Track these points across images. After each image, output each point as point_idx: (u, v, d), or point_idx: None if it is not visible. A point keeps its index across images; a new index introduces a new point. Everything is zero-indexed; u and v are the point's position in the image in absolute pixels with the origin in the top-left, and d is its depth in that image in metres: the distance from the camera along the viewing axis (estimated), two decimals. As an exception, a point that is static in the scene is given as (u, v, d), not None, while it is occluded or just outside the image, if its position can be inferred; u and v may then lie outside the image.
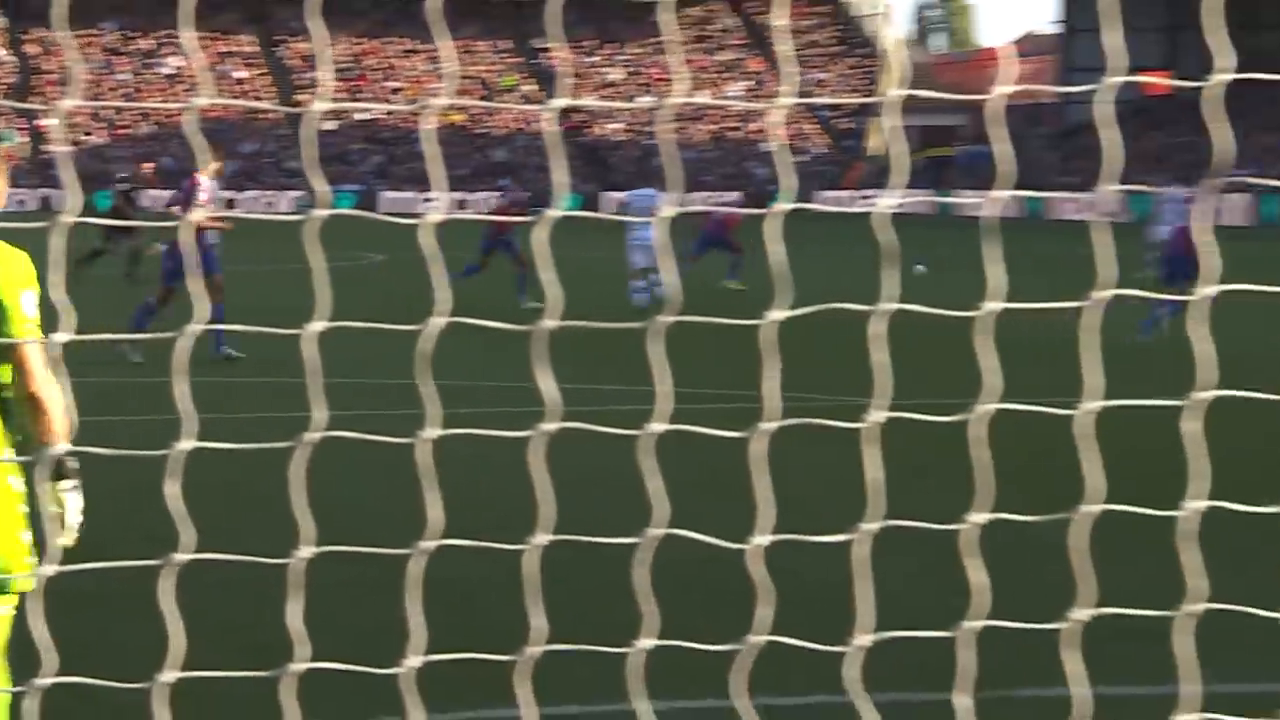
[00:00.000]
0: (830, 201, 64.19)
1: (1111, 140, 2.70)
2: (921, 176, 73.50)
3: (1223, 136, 2.83)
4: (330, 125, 73.22)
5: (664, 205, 3.09)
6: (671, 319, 2.69)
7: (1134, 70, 63.48)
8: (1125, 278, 3.47)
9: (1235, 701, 3.62)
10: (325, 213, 2.59)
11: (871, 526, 2.74)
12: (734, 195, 61.13)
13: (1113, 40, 2.76)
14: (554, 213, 2.67)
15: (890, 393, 2.73)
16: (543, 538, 2.67)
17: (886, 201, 2.89)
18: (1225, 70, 2.71)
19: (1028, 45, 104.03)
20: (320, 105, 2.57)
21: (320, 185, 2.78)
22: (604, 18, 79.34)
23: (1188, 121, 65.58)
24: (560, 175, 2.94)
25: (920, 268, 27.74)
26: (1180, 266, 17.40)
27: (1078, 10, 73.41)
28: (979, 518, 2.81)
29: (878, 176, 72.70)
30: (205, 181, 15.30)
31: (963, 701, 2.82)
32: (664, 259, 3.08)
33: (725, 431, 2.87)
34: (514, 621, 2.86)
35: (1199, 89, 2.83)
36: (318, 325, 2.62)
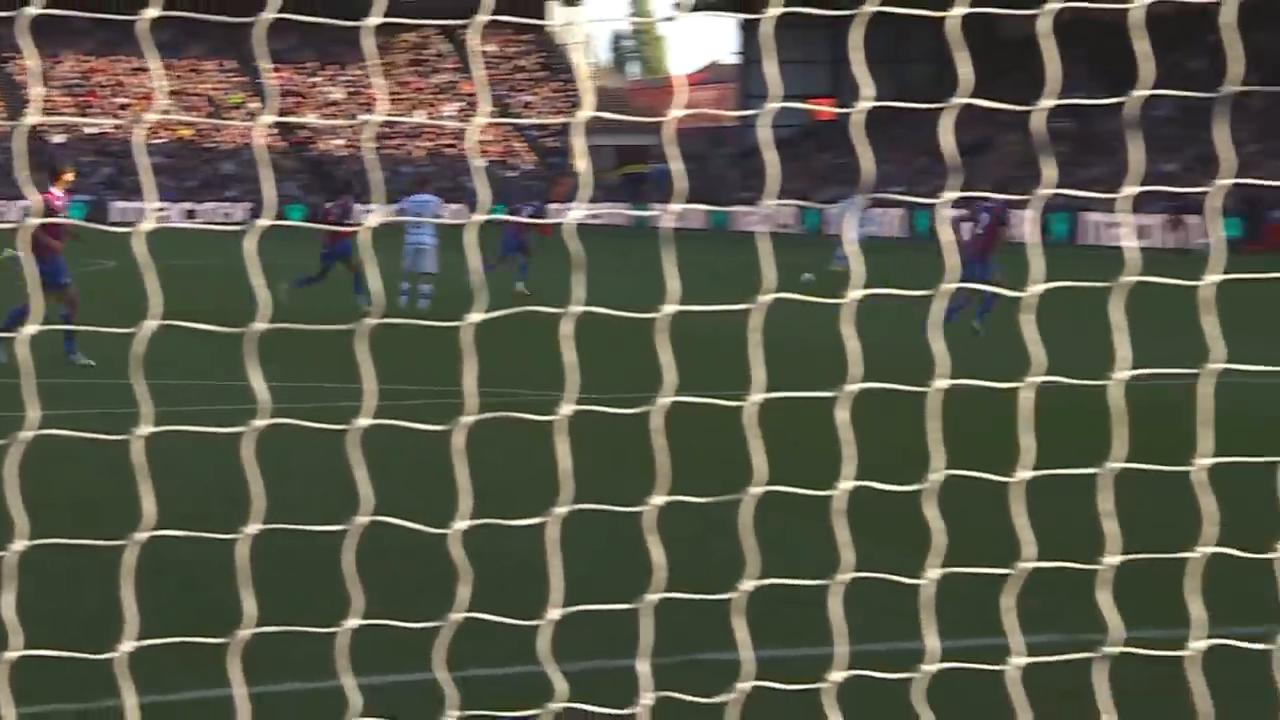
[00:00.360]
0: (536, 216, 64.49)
1: (771, 160, 2.77)
2: (619, 191, 74.29)
3: (867, 158, 2.93)
4: (60, 138, 70.52)
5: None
6: (375, 321, 2.66)
7: (804, 98, 65.31)
8: (794, 281, 3.56)
9: (889, 658, 3.75)
10: (39, 221, 2.49)
11: (561, 510, 2.76)
12: (458, 207, 60.90)
13: (770, 71, 2.83)
14: (264, 222, 2.61)
15: (578, 388, 2.75)
16: (254, 526, 2.62)
17: (575, 214, 2.90)
18: (869, 99, 2.80)
19: (711, 74, 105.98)
20: (31, 119, 2.46)
21: (34, 195, 2.67)
22: (324, 41, 78.15)
23: (849, 144, 67.65)
24: (269, 189, 2.87)
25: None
26: (974, 271, 18.51)
27: (755, 43, 74.99)
28: (658, 500, 2.84)
29: (581, 191, 73.22)
30: (57, 192, 14.57)
31: (644, 667, 2.85)
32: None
33: (429, 425, 2.86)
34: (231, 605, 2.79)
35: (856, 114, 2.92)
36: (31, 329, 2.53)
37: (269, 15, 2.35)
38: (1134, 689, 4.31)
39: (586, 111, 2.81)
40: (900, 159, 74.94)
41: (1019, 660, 3.00)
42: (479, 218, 2.74)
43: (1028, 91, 2.93)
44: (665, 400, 2.82)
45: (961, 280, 2.95)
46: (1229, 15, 2.85)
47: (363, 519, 2.70)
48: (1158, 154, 65.41)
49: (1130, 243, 2.98)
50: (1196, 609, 3.03)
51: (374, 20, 2.39)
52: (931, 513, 2.92)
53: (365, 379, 2.68)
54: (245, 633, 2.58)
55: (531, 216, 29.70)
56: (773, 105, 2.79)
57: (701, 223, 62.74)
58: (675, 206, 2.85)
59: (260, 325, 2.58)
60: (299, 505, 7.99)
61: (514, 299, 23.74)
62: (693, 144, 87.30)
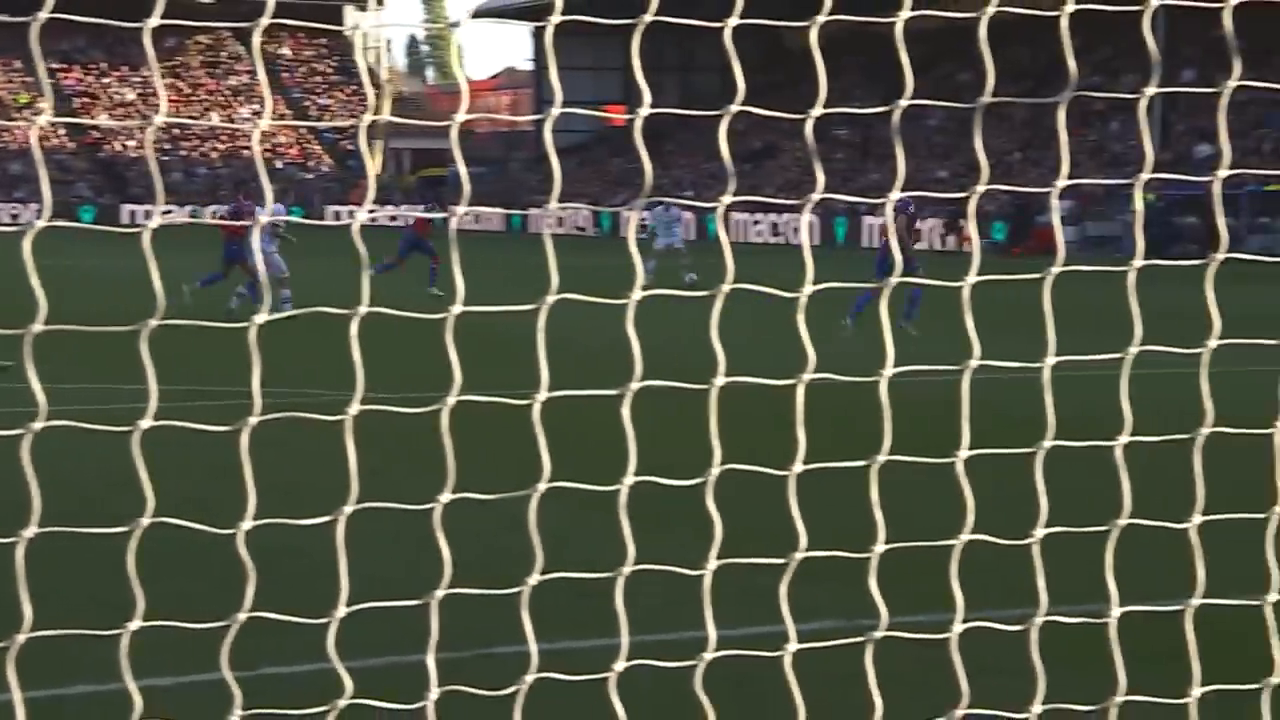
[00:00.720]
0: (334, 216, 63.85)
1: (552, 165, 2.78)
2: (418, 194, 73.67)
3: (647, 165, 2.95)
4: None
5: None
6: (156, 323, 2.60)
7: (599, 104, 65.65)
8: (599, 284, 3.57)
9: (660, 647, 3.79)
10: None
11: (347, 509, 2.73)
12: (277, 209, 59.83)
13: (554, 77, 2.84)
14: (41, 223, 2.53)
15: (363, 388, 2.72)
16: (31, 529, 2.54)
17: (361, 215, 2.88)
18: (652, 107, 2.83)
19: (507, 79, 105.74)
20: None
21: None
22: (113, 42, 75.99)
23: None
24: (47, 189, 2.78)
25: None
26: (882, 268, 19.27)
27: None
28: (445, 497, 2.83)
29: (380, 194, 72.42)
30: None
31: (431, 661, 2.83)
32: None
33: (212, 426, 2.80)
34: (12, 608, 2.70)
35: (648, 120, 2.95)
36: None
37: (44, 15, 2.28)
38: (902, 671, 4.43)
39: (371, 115, 2.78)
40: (689, 164, 75.77)
41: (794, 646, 3.06)
42: (265, 219, 2.69)
43: (813, 100, 2.98)
44: (452, 399, 2.81)
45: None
46: (983, 31, 2.94)
47: (145, 520, 2.64)
48: (930, 161, 67.33)
49: (895, 245, 3.06)
50: (958, 594, 3.12)
51: (154, 21, 2.33)
52: (711, 505, 2.96)
53: (149, 380, 2.62)
54: (22, 636, 2.50)
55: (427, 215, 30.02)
56: (556, 111, 2.80)
57: (500, 225, 62.55)
58: (460, 209, 2.84)
59: (37, 328, 2.51)
60: (91, 506, 7.74)
61: (431, 301, 23.58)
62: (490, 148, 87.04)
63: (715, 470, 3.01)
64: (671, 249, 29.46)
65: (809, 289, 3.04)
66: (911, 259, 20.26)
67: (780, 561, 3.10)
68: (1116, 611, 3.29)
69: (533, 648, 2.85)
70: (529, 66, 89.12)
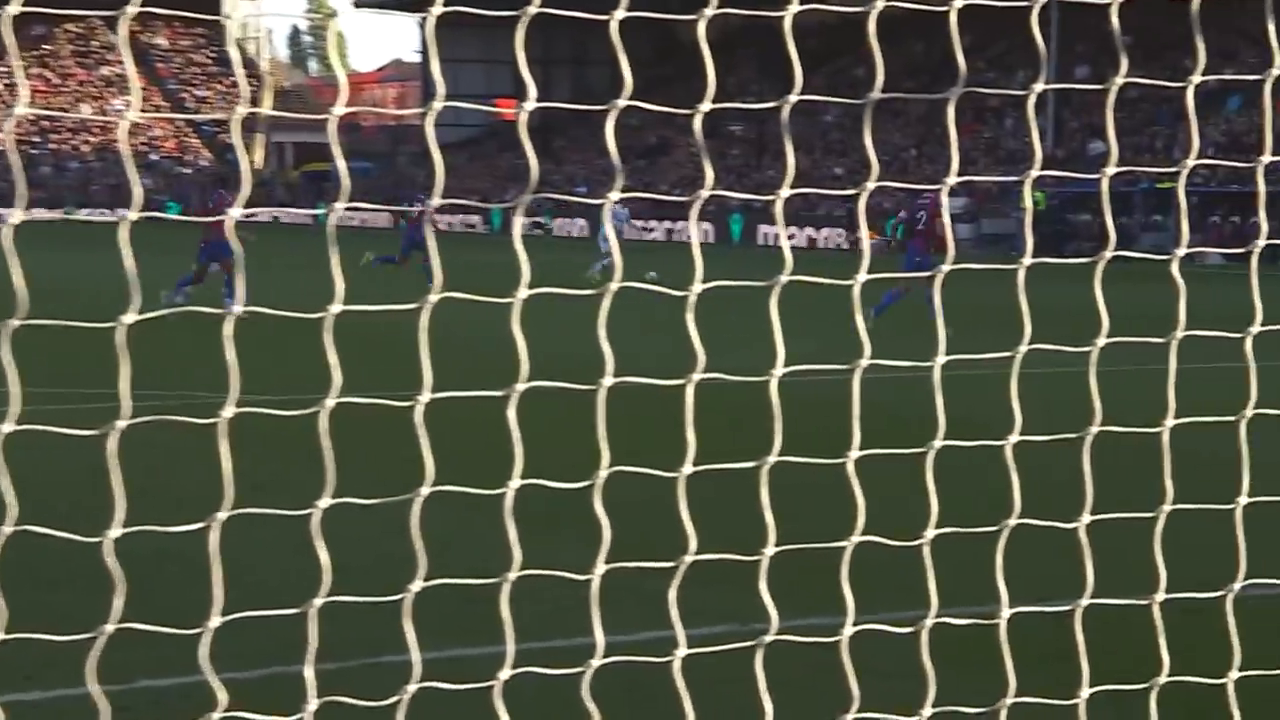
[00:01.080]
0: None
1: (437, 160, 2.76)
2: (302, 190, 72.93)
3: (533, 160, 2.95)
4: None
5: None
6: (17, 323, 2.55)
7: (489, 98, 65.37)
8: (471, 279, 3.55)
9: (548, 654, 3.79)
10: None
11: (221, 515, 2.69)
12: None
13: (431, 72, 2.82)
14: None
15: (239, 389, 2.70)
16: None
17: (235, 212, 2.84)
18: (543, 101, 2.83)
19: (394, 71, 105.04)
20: None
21: None
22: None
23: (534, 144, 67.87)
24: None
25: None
26: (915, 263, 19.46)
27: (435, 41, 74.32)
28: (325, 502, 2.81)
29: (262, 190, 71.59)
30: None
31: (309, 672, 2.81)
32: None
33: (79, 431, 2.75)
34: None
35: (541, 115, 2.95)
36: None
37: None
38: (793, 675, 4.47)
39: (246, 107, 2.75)
40: (582, 160, 75.78)
41: (683, 651, 3.08)
42: (134, 215, 2.65)
43: (712, 94, 2.99)
44: (331, 401, 2.79)
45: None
46: (871, 25, 2.97)
47: (6, 529, 2.59)
48: (827, 157, 67.93)
49: (786, 244, 3.08)
50: (849, 596, 3.15)
51: (14, 9, 2.29)
52: (599, 509, 2.97)
53: (11, 383, 2.57)
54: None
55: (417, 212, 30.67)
56: (439, 104, 2.79)
57: (388, 222, 62.09)
58: (340, 205, 2.81)
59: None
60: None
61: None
62: (377, 142, 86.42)
63: (603, 473, 3.01)
64: (604, 246, 30.00)
65: (698, 287, 3.05)
66: (928, 255, 20.64)
67: (670, 565, 3.11)
68: (1007, 612, 3.34)
69: (415, 656, 2.84)
70: (417, 58, 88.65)
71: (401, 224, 29.45)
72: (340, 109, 2.67)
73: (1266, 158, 3.50)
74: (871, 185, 3.13)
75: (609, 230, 3.67)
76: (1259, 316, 3.51)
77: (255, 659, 5.87)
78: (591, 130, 65.09)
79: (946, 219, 3.54)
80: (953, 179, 3.25)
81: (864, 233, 3.22)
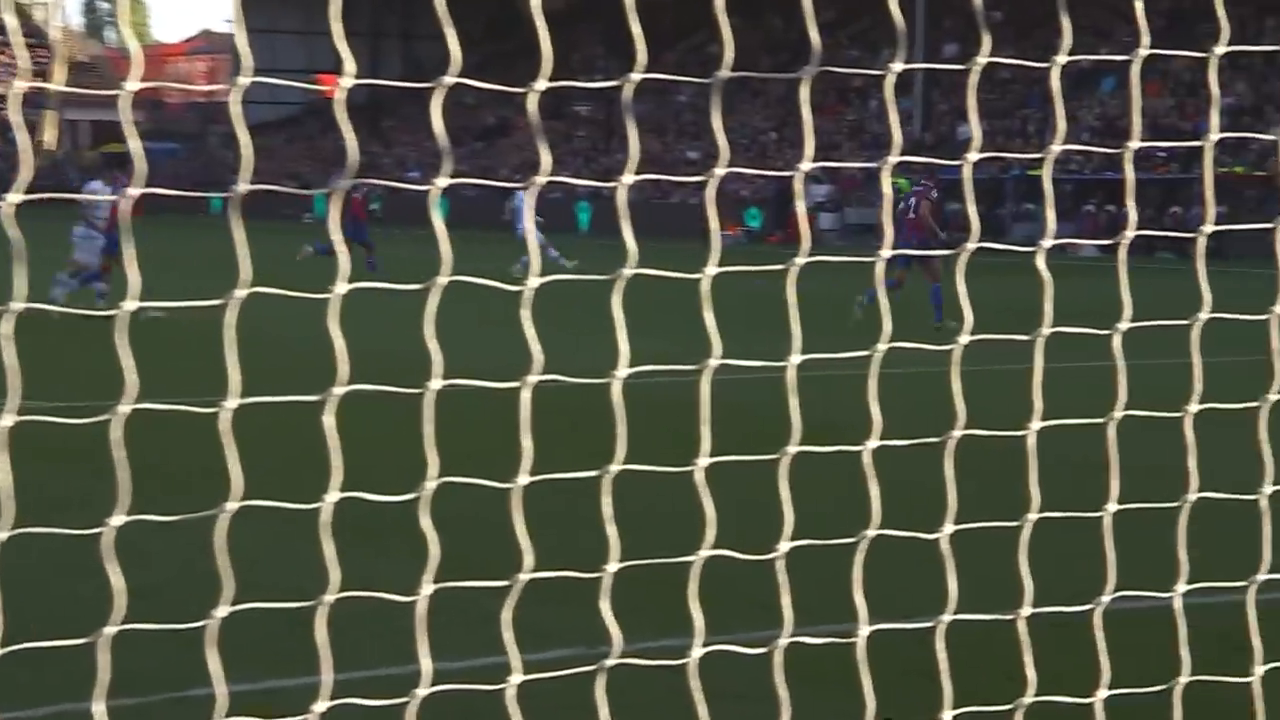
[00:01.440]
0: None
1: (244, 142, 2.73)
2: (100, 171, 71.41)
3: (352, 142, 2.93)
4: None
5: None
6: None
7: (310, 73, 64.61)
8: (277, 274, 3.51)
9: (370, 683, 3.76)
10: None
11: (1, 535, 2.63)
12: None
13: (240, 43, 2.79)
14: None
15: (20, 394, 2.64)
16: None
17: (12, 198, 2.77)
18: (370, 77, 2.81)
19: (204, 42, 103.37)
20: None
21: None
22: None
23: (358, 124, 67.39)
24: None
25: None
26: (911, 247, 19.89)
27: (250, 11, 73.44)
28: (118, 520, 2.75)
29: (55, 171, 70.02)
30: None
31: (99, 708, 2.75)
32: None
33: None
34: None
35: (369, 92, 2.92)
36: None
37: None
38: (639, 700, 4.48)
39: (24, 81, 2.69)
40: (412, 142, 75.28)
41: (518, 678, 3.07)
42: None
43: (554, 72, 2.99)
44: (126, 408, 2.73)
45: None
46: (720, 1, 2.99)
47: None
48: (680, 140, 68.27)
49: (630, 235, 3.09)
50: (697, 615, 3.17)
51: None
52: (427, 523, 2.95)
53: None
54: None
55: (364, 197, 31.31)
56: (245, 80, 2.75)
57: (203, 208, 61.05)
58: (135, 191, 2.76)
59: None
60: None
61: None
62: (186, 121, 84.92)
63: (431, 484, 3.00)
64: (524, 238, 30.24)
65: (534, 282, 3.05)
66: (938, 236, 21.20)
67: (504, 584, 3.10)
68: (865, 629, 3.39)
69: (221, 689, 2.79)
70: (228, 29, 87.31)
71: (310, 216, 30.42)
72: (134, 84, 2.62)
73: (1135, 143, 3.59)
74: (720, 171, 3.15)
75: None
76: (1128, 312, 3.60)
77: (40, 694, 5.74)
78: (424, 109, 64.65)
79: (801, 209, 3.58)
80: (807, 165, 3.28)
81: (713, 221, 3.24)
